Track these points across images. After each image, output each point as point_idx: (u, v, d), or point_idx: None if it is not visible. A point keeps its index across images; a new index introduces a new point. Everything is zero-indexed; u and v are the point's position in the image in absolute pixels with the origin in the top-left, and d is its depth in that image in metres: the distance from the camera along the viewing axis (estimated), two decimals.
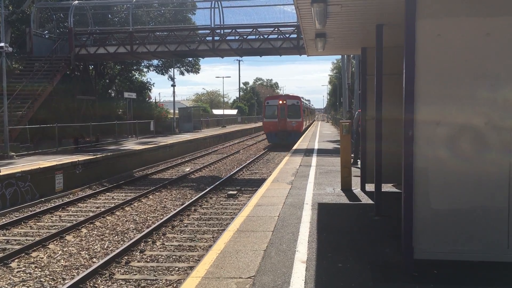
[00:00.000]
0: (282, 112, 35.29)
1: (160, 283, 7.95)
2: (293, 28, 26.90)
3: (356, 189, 10.89)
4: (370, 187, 10.21)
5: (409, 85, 5.16)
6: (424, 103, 5.17)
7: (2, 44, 19.27)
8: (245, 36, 27.56)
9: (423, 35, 5.14)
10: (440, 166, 5.22)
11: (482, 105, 5.15)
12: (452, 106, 5.18)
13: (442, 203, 5.23)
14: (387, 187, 10.51)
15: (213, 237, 10.44)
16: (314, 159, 18.01)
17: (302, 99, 39.28)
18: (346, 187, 10.92)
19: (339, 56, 39.67)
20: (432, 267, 5.46)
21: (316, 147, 24.38)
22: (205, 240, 10.38)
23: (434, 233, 5.25)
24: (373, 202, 9.04)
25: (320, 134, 38.16)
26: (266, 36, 27.23)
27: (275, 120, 35.32)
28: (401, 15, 5.36)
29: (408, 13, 5.13)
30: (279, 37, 27.12)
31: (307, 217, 8.23)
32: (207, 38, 28.02)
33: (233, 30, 28.05)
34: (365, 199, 9.88)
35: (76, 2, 28.60)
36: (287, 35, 26.98)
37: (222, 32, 28.51)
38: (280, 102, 35.78)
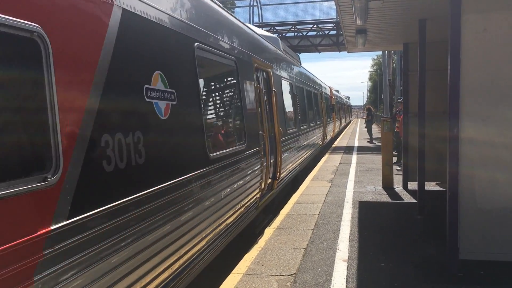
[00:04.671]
0: None
1: (202, 278, 8.07)
2: (332, 25, 26.63)
3: (398, 187, 10.70)
4: (412, 185, 10.01)
5: (454, 81, 5.02)
6: (470, 100, 5.03)
7: None
8: (284, 34, 27.51)
9: (469, 29, 4.99)
10: (487, 164, 5.06)
11: None
12: (499, 102, 5.01)
13: (489, 202, 5.07)
14: (430, 186, 10.28)
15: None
16: (354, 156, 17.80)
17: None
18: (388, 186, 10.74)
19: (380, 52, 38.73)
20: (478, 268, 5.31)
21: (356, 144, 24.08)
22: (246, 237, 10.44)
23: (481, 233, 5.10)
24: (415, 201, 8.86)
25: (360, 131, 37.61)
26: (305, 33, 27.07)
27: None
28: (445, 9, 5.22)
29: (453, 6, 4.99)
30: (318, 34, 26.90)
31: (348, 215, 8.16)
32: None
33: (272, 28, 28.06)
34: (407, 198, 9.69)
35: None
36: (327, 32, 26.72)
37: None
38: None
